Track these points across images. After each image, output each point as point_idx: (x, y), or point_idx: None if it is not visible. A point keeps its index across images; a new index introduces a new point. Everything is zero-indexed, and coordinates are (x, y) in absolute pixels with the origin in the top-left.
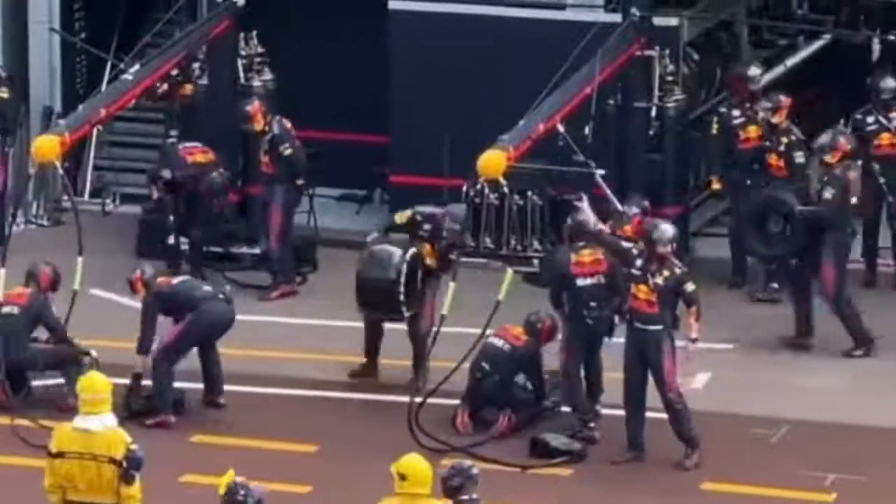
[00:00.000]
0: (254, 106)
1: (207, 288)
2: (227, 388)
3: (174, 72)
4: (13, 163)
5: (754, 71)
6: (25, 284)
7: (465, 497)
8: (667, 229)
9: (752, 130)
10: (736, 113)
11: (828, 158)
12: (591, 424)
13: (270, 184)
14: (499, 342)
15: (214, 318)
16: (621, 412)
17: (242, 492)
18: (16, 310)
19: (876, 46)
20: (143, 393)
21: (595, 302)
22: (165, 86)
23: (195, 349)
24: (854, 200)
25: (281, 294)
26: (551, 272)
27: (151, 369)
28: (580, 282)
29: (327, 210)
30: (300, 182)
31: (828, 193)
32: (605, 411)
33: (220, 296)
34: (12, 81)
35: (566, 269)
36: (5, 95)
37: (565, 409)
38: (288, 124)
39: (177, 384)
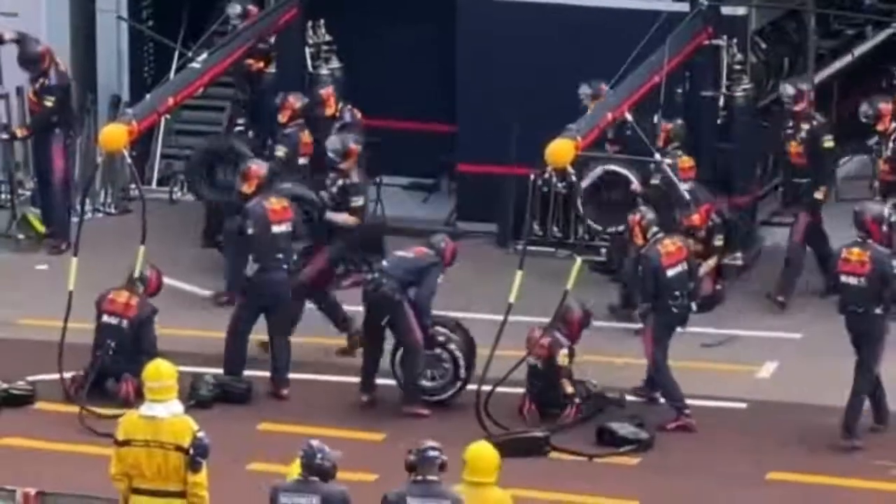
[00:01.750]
0: (327, 90)
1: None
2: (293, 376)
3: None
4: (81, 152)
5: (789, 91)
6: (128, 288)
7: (418, 477)
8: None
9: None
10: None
11: (879, 127)
12: (687, 412)
13: None
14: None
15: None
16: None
17: (320, 455)
18: (124, 323)
19: None
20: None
21: (679, 291)
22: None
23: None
24: None
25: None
26: (643, 268)
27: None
28: (670, 272)
29: (395, 199)
30: None
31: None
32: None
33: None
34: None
35: (658, 263)
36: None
37: (630, 397)
38: (358, 115)
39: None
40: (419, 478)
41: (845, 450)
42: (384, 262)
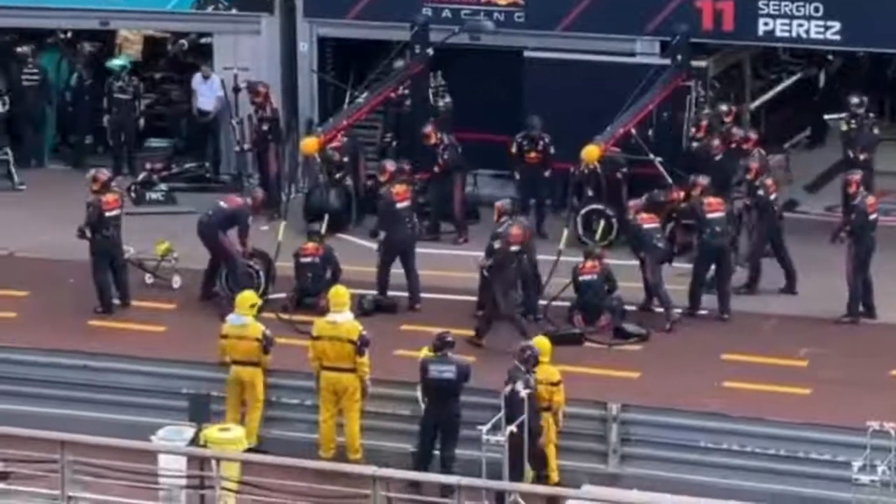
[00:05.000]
0: (428, 129)
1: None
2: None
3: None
4: (290, 153)
5: (724, 108)
6: (309, 240)
7: (438, 353)
8: None
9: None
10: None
11: (749, 176)
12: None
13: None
14: (588, 276)
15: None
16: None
17: (449, 337)
18: (317, 260)
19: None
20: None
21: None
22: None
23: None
24: None
25: (465, 241)
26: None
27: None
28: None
29: (485, 184)
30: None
31: None
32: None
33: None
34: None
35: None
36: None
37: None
38: (453, 139)
39: (391, 293)
40: (439, 353)
41: None
42: None
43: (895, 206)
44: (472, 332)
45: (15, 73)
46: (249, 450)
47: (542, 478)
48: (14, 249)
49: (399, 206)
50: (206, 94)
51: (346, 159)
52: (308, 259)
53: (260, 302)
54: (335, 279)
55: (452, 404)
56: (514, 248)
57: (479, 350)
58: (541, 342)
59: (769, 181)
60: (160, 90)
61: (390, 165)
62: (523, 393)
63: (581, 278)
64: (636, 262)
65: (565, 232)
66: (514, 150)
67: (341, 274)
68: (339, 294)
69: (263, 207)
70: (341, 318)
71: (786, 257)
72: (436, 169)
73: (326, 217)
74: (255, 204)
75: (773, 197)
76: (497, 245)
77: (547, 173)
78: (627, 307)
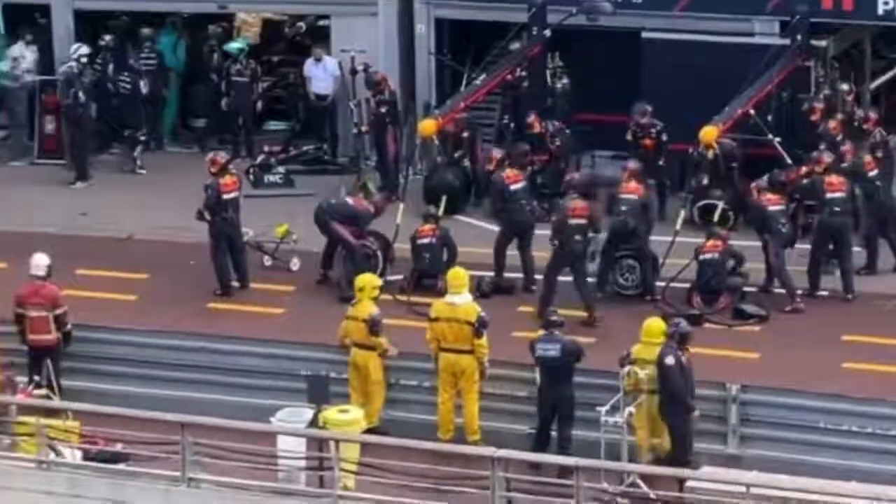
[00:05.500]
0: (532, 118)
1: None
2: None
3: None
4: (407, 136)
5: (845, 87)
6: (425, 222)
7: (546, 332)
8: None
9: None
10: None
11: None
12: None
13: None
14: (710, 254)
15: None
16: None
17: (556, 315)
18: (434, 241)
19: None
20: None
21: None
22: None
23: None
24: None
25: None
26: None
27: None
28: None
29: (604, 165)
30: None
31: None
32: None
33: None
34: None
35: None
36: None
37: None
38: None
39: (507, 274)
40: (546, 332)
41: None
42: None
43: None
44: (586, 313)
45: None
46: (368, 431)
47: (673, 459)
48: (134, 232)
49: (512, 188)
50: (321, 77)
51: (465, 134)
52: (425, 240)
53: (380, 283)
54: (451, 261)
55: (563, 384)
56: (575, 221)
57: (597, 331)
58: (652, 322)
59: (868, 158)
60: (278, 73)
61: (497, 153)
62: (669, 360)
63: (701, 257)
64: (759, 244)
65: (682, 213)
66: (629, 137)
67: (457, 255)
68: (458, 276)
69: (381, 214)
70: (460, 299)
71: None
72: (546, 157)
73: (444, 199)
74: (377, 211)
75: (872, 173)
76: (555, 217)
77: (661, 161)
78: (748, 288)
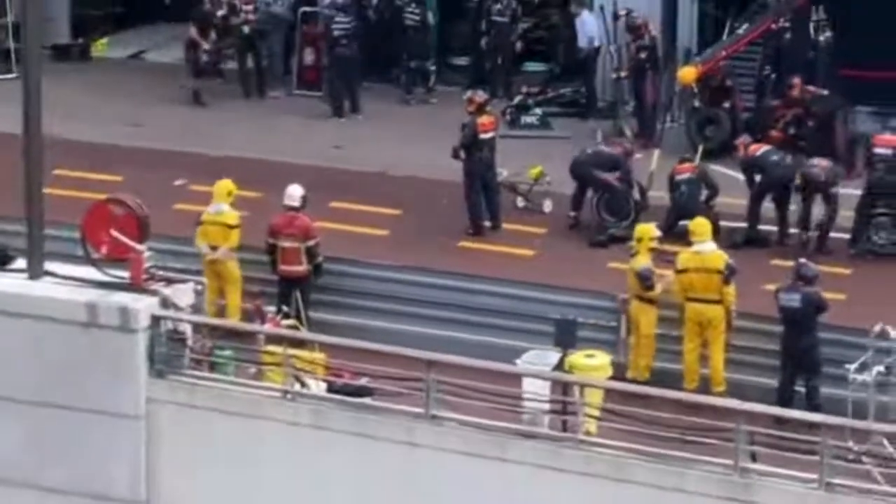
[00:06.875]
0: (795, 80)
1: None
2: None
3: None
4: (664, 84)
5: None
6: (681, 161)
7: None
8: None
9: None
10: None
11: None
12: None
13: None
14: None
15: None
16: None
17: (805, 267)
18: (693, 177)
19: None
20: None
21: None
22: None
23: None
24: None
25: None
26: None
27: None
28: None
29: (863, 120)
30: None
31: None
32: None
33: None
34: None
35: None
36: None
37: None
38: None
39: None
40: (792, 283)
41: None
42: None
43: None
44: (843, 269)
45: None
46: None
47: None
48: (388, 167)
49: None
50: (589, 26)
51: (728, 83)
52: (684, 176)
53: (658, 234)
54: (711, 198)
55: (804, 335)
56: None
57: (848, 288)
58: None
59: None
60: (539, 14)
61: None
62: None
63: None
64: None
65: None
66: None
67: (718, 192)
68: (701, 224)
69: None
70: (706, 247)
71: None
72: (810, 122)
73: (701, 147)
74: (627, 156)
75: None
76: None
77: None
78: None
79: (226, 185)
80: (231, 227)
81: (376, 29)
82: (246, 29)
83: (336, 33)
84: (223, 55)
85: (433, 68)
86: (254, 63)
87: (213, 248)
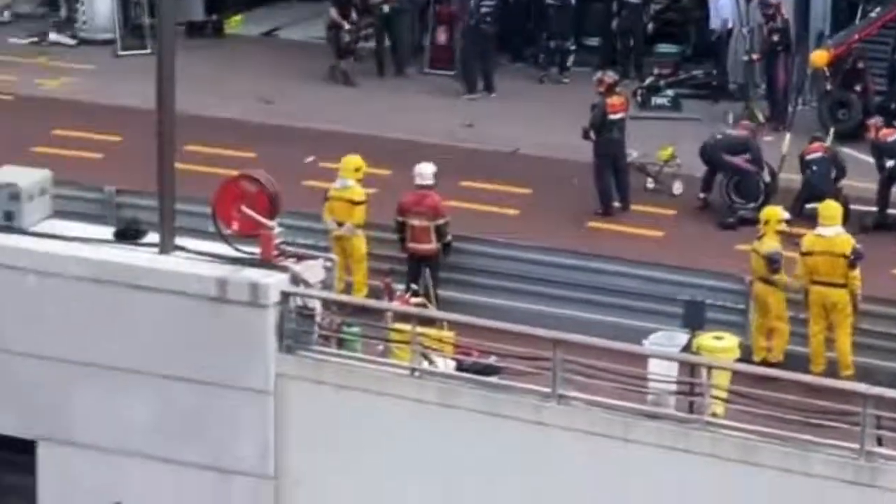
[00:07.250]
0: None
1: None
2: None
3: None
4: (798, 65)
5: None
6: (812, 141)
7: None
8: None
9: None
10: None
11: None
12: None
13: None
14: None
15: None
16: None
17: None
18: (824, 156)
19: None
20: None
21: None
22: None
23: None
24: None
25: None
26: None
27: None
28: None
29: None
30: None
31: None
32: None
33: None
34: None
35: None
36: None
37: None
38: None
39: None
40: None
41: None
42: None
43: None
44: None
45: None
46: (770, 366)
47: None
48: (519, 146)
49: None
50: (723, 7)
51: (860, 66)
52: (815, 155)
53: (786, 216)
54: (838, 179)
55: None
56: None
57: None
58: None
59: None
60: None
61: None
62: None
63: None
64: None
65: None
66: None
67: (846, 174)
68: (831, 207)
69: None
70: (832, 231)
71: None
72: None
73: (832, 130)
74: (753, 134)
75: None
76: None
77: None
78: None
79: (353, 160)
80: (356, 203)
81: (516, 8)
82: (385, 8)
83: (483, 10)
84: (363, 35)
85: (573, 48)
86: (390, 42)
87: (340, 224)
